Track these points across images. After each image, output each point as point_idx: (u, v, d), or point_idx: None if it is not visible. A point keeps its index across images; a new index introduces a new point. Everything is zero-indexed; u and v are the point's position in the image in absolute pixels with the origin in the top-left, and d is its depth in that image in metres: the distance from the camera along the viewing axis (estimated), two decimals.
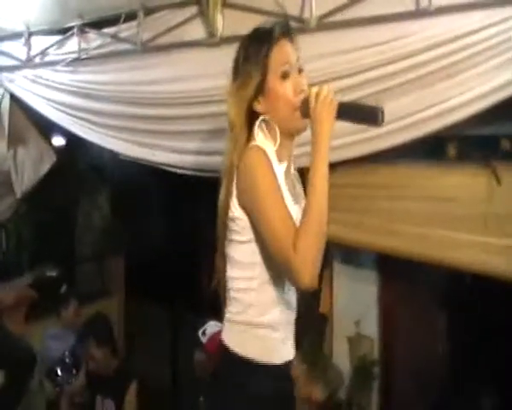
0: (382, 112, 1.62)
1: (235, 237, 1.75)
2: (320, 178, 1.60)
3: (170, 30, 3.25)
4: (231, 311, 1.80)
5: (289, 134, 1.79)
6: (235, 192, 1.71)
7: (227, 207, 1.73)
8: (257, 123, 1.75)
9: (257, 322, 1.75)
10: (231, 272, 1.79)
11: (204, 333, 3.11)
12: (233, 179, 1.71)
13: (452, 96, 2.49)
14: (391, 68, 2.61)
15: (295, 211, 1.71)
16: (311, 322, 3.42)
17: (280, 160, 1.75)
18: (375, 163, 2.80)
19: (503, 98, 2.39)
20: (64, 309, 4.29)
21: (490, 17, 2.41)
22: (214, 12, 3.04)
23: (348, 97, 2.70)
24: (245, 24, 2.87)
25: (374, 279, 3.22)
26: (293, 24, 2.76)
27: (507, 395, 2.93)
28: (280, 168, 1.74)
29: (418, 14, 2.55)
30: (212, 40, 3.08)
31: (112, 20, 3.44)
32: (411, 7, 2.56)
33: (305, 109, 1.69)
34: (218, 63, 3.01)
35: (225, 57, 2.91)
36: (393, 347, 3.27)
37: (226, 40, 3.05)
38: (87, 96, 3.68)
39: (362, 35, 2.67)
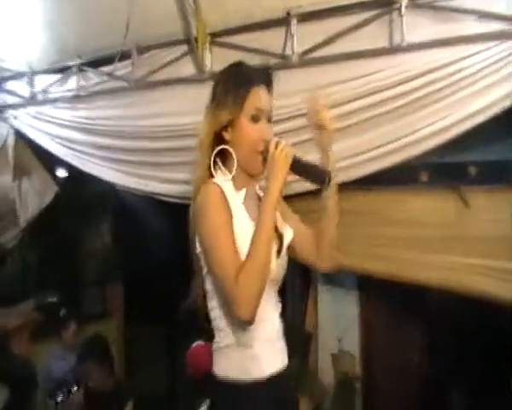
0: (329, 177, 1.65)
1: (204, 269, 1.72)
2: (267, 219, 1.60)
3: (161, 67, 3.25)
4: (216, 340, 1.75)
5: (249, 174, 1.76)
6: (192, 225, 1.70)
7: (193, 241, 1.72)
8: (215, 149, 1.73)
9: (236, 342, 1.69)
10: (208, 303, 1.75)
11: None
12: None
13: (424, 126, 2.51)
14: (368, 101, 2.62)
15: (250, 227, 1.68)
16: (297, 339, 3.39)
17: (238, 188, 1.74)
18: (351, 190, 2.76)
19: (471, 127, 2.40)
20: (64, 331, 4.25)
21: (458, 53, 2.44)
22: (203, 50, 3.04)
23: None
24: (231, 61, 2.96)
25: (355, 299, 3.19)
26: (276, 61, 2.84)
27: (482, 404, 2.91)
28: (238, 195, 1.74)
29: (392, 50, 2.58)
30: (201, 76, 3.08)
31: (108, 59, 3.43)
32: (385, 43, 2.60)
33: (265, 156, 1.69)
34: (207, 98, 3.07)
35: None
36: (373, 361, 3.24)
37: (214, 76, 2.99)
38: (86, 130, 3.66)
39: (339, 70, 2.70)
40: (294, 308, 3.99)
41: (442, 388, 3.22)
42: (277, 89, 2.72)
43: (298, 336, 3.40)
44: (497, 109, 2.39)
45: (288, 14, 2.76)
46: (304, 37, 2.76)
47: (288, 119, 2.81)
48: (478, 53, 2.40)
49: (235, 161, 1.72)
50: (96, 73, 3.56)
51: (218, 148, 1.72)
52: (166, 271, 5.09)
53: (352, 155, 2.72)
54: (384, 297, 3.11)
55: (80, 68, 3.63)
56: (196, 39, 3.03)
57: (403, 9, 2.52)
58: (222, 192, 1.66)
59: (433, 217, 2.59)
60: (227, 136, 1.72)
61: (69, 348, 4.20)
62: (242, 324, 1.60)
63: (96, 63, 3.55)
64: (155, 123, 3.29)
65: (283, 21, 2.80)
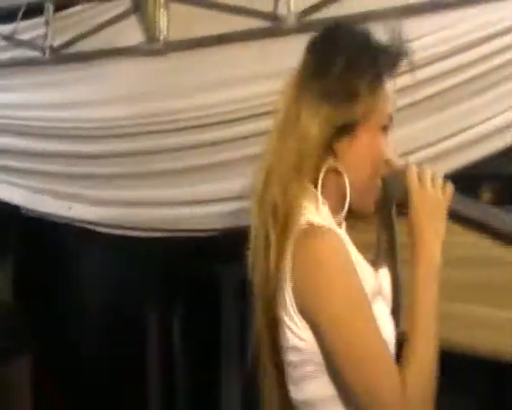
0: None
1: (299, 368, 1.62)
2: (429, 291, 1.59)
3: (92, 32, 3.39)
4: None
5: (355, 209, 1.73)
6: (290, 289, 1.57)
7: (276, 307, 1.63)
8: (324, 167, 1.67)
9: None
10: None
11: None
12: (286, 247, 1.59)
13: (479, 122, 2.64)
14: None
15: (371, 273, 1.70)
16: None
17: (339, 224, 1.71)
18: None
19: None
20: None
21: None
22: (155, 7, 3.17)
23: None
24: (199, 24, 3.15)
25: None
26: (265, 24, 3.02)
27: None
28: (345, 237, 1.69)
29: (428, 6, 2.72)
30: (154, 46, 3.22)
31: (6, 16, 3.59)
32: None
33: (395, 189, 1.72)
34: (163, 78, 3.23)
35: (173, 70, 3.21)
36: None
37: (173, 46, 3.20)
38: None
39: None
40: None
41: None
42: (266, 66, 2.97)
43: None
44: None
45: None
46: None
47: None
48: None
49: (348, 189, 1.67)
50: None
51: (325, 166, 1.65)
52: (99, 344, 5.21)
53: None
54: None
55: None
56: None
57: None
58: (343, 245, 1.59)
59: None
60: (339, 147, 1.67)
61: None
62: None
63: None
64: (82, 115, 3.40)
65: None
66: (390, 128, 1.73)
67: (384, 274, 1.81)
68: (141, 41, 3.30)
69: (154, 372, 5.42)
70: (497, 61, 2.54)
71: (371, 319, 1.52)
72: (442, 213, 1.64)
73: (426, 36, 2.64)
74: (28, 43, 3.60)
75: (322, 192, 1.66)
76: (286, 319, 1.58)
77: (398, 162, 1.72)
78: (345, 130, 1.64)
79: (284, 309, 1.58)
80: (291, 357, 1.62)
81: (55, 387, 5.28)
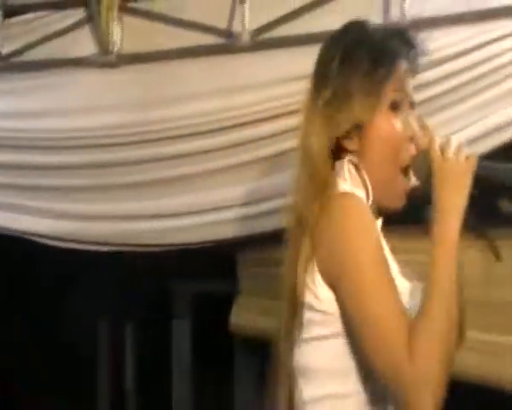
0: None
1: (314, 331, 1.62)
2: (445, 262, 1.53)
3: (43, 41, 3.34)
4: None
5: (380, 203, 1.71)
6: (315, 262, 1.58)
7: (301, 285, 1.61)
8: (345, 163, 1.67)
9: None
10: (306, 390, 1.65)
11: None
12: (312, 240, 1.59)
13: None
14: None
15: (407, 290, 1.65)
16: None
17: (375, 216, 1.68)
18: None
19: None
20: None
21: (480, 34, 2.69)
22: (108, 19, 3.17)
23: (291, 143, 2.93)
24: (154, 38, 3.15)
25: None
26: (219, 41, 3.03)
27: None
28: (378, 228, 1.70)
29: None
30: (107, 58, 3.21)
31: None
32: (378, 19, 2.78)
33: (420, 169, 1.66)
34: (116, 91, 3.21)
35: (126, 82, 3.20)
36: None
37: (126, 59, 3.19)
38: None
39: (306, 56, 2.76)
40: (246, 407, 4.26)
41: None
42: (220, 82, 2.99)
43: None
44: None
45: None
46: (258, 8, 2.93)
47: (236, 126, 2.99)
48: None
49: (367, 178, 1.66)
50: None
51: (345, 160, 1.66)
52: (57, 351, 5.19)
53: None
54: None
55: None
56: (99, 2, 3.14)
57: None
58: (369, 211, 1.60)
59: None
60: (351, 145, 1.67)
61: None
62: None
63: None
64: (34, 125, 3.37)
65: None
66: (405, 105, 1.67)
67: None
68: (94, 52, 3.28)
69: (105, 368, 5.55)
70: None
71: (391, 283, 1.52)
72: (466, 183, 1.56)
73: None
74: None
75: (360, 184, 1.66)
76: (308, 281, 1.59)
77: (423, 139, 1.65)
78: (351, 130, 1.63)
79: (309, 294, 1.59)
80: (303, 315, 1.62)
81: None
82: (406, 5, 2.77)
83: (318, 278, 1.57)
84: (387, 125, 1.65)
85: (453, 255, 1.53)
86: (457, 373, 2.22)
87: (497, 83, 2.65)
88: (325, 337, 1.60)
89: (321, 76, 1.69)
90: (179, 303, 4.80)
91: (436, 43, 2.59)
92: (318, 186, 1.61)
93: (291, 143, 2.74)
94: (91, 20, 3.26)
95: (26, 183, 3.48)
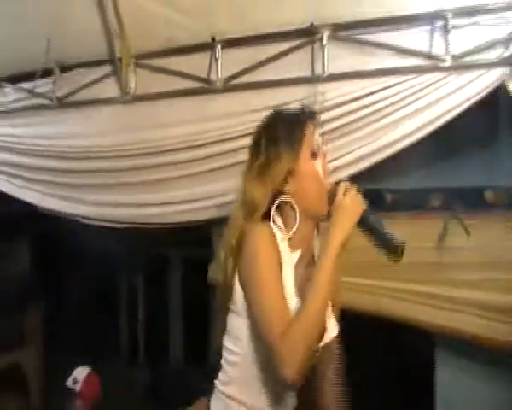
0: (403, 249, 1.50)
1: (231, 306, 1.60)
2: (323, 275, 1.45)
3: (84, 87, 3.20)
4: (219, 379, 1.67)
5: (311, 218, 1.62)
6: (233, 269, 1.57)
7: (232, 278, 1.57)
8: (275, 204, 1.60)
9: (238, 399, 1.61)
10: (224, 340, 1.65)
11: (76, 381, 2.92)
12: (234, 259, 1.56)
13: (342, 155, 2.58)
14: None
15: (294, 303, 1.54)
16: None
17: (293, 248, 1.60)
18: None
19: (386, 156, 2.49)
20: None
21: (375, 85, 2.53)
22: (127, 71, 3.02)
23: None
24: (156, 83, 3.01)
25: None
26: (200, 85, 2.88)
27: None
28: (292, 256, 1.60)
29: (313, 79, 2.65)
30: (125, 98, 3.06)
31: (29, 76, 3.32)
32: (308, 73, 2.67)
33: (330, 202, 1.56)
34: (131, 120, 3.06)
35: (138, 114, 3.05)
36: None
37: (138, 98, 3.05)
38: (5, 149, 3.52)
39: (262, 97, 2.72)
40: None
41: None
42: (202, 113, 2.84)
43: None
44: (411, 140, 2.48)
45: (213, 39, 2.78)
46: (228, 63, 2.80)
47: (212, 143, 2.84)
48: (394, 85, 2.48)
49: (297, 213, 1.58)
50: (15, 89, 3.45)
51: (276, 203, 1.59)
52: (90, 296, 4.99)
53: None
54: None
55: None
56: (120, 60, 3.01)
57: (324, 40, 2.58)
58: (276, 239, 1.54)
59: (360, 242, 2.66)
60: (287, 188, 1.59)
61: None
62: (282, 384, 1.50)
63: (15, 79, 3.44)
64: (77, 143, 3.22)
65: (208, 46, 2.82)
66: (321, 154, 1.63)
67: None
68: (117, 95, 3.13)
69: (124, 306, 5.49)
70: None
71: (279, 283, 1.49)
72: (352, 218, 1.51)
73: None
74: (42, 95, 3.35)
75: (283, 221, 1.62)
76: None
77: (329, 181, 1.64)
78: (284, 179, 1.59)
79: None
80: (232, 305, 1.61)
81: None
82: (325, 63, 2.61)
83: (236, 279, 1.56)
84: (310, 168, 1.59)
85: (331, 270, 1.46)
86: None
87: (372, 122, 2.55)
88: (234, 312, 1.61)
89: (254, 149, 1.64)
90: (173, 264, 4.88)
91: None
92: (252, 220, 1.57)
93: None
94: (115, 73, 3.11)
95: (74, 181, 3.33)
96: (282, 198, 1.59)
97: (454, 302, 2.49)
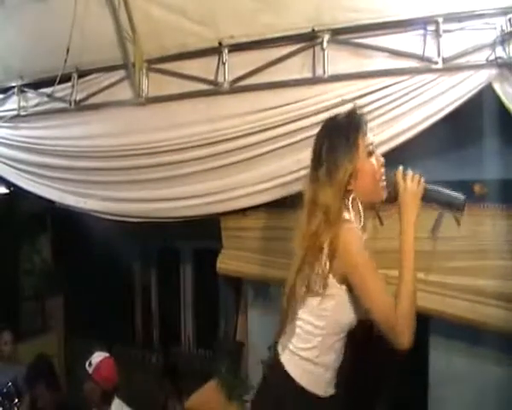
0: (466, 203, 1.69)
1: (320, 290, 1.72)
2: (408, 249, 1.64)
3: (100, 91, 3.26)
4: (296, 345, 1.81)
5: (370, 205, 1.80)
6: (328, 264, 1.68)
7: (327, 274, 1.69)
8: (349, 201, 1.73)
9: (316, 361, 1.78)
10: (304, 314, 1.79)
11: (90, 364, 2.99)
12: (321, 251, 1.68)
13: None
14: (291, 127, 2.71)
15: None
16: (228, 349, 3.44)
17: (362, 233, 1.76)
18: (281, 208, 2.85)
19: (382, 153, 2.52)
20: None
21: (371, 85, 2.56)
22: (140, 76, 3.08)
23: (256, 152, 2.82)
24: (167, 86, 3.05)
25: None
26: (208, 87, 2.92)
27: None
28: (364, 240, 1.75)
29: (314, 80, 2.69)
30: (139, 100, 3.11)
31: (49, 81, 3.39)
32: (309, 74, 2.71)
33: (391, 191, 1.73)
34: (144, 121, 3.11)
35: (150, 115, 3.10)
36: None
37: (151, 100, 3.09)
38: (26, 149, 3.59)
39: (266, 98, 2.77)
40: (227, 320, 4.12)
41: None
42: (209, 114, 2.89)
43: (230, 345, 3.47)
44: (407, 136, 2.52)
45: (220, 44, 2.83)
46: (235, 65, 2.85)
47: (219, 142, 2.88)
48: (389, 85, 2.53)
49: (362, 205, 1.74)
50: (37, 94, 3.52)
51: (349, 202, 1.72)
52: (107, 285, 5.05)
53: (272, 178, 2.84)
54: None
55: (21, 89, 3.59)
56: (134, 65, 3.06)
57: (324, 44, 2.62)
58: (360, 236, 1.69)
59: None
60: (351, 186, 1.72)
61: (7, 361, 4.06)
62: (403, 348, 1.57)
63: (37, 85, 3.52)
64: (94, 143, 3.27)
65: (216, 51, 2.87)
66: (375, 152, 1.78)
67: None
68: (131, 97, 3.18)
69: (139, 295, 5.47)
70: None
71: (378, 274, 1.63)
72: (417, 199, 1.69)
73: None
74: (61, 99, 3.42)
75: (355, 212, 1.75)
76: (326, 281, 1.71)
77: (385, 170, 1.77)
78: (348, 179, 1.71)
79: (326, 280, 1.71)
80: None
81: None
82: (326, 65, 2.66)
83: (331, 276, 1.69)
84: (368, 166, 1.74)
85: (413, 245, 1.64)
86: None
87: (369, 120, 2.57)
88: (326, 296, 1.72)
89: (316, 159, 1.77)
90: (184, 255, 4.93)
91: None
92: (334, 223, 1.67)
93: (256, 151, 2.84)
94: (129, 77, 3.15)
95: (91, 179, 3.40)
96: (352, 195, 1.73)
97: (447, 288, 2.54)
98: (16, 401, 3.75)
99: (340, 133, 1.73)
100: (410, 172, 1.70)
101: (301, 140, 2.68)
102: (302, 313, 1.79)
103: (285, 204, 2.80)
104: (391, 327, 1.56)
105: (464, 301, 2.51)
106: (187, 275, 5.07)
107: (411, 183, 1.69)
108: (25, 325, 5.14)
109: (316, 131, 2.58)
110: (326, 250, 1.67)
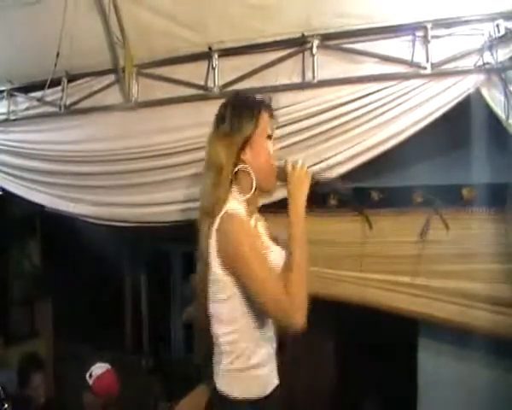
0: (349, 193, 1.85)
1: (218, 295, 1.67)
2: (299, 232, 1.67)
3: (90, 95, 3.20)
4: (223, 362, 1.70)
5: (260, 191, 1.78)
6: (215, 254, 1.64)
7: (207, 265, 1.67)
8: (238, 168, 1.73)
9: (249, 365, 1.69)
10: (217, 328, 1.70)
11: (91, 375, 2.91)
12: (212, 230, 1.65)
13: (331, 156, 2.59)
14: (279, 132, 2.66)
15: (277, 252, 1.75)
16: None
17: (249, 215, 1.76)
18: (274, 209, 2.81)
19: (373, 157, 2.51)
20: None
21: (361, 90, 2.54)
22: (130, 80, 3.03)
23: None
24: (157, 91, 3.01)
25: None
26: (198, 92, 2.88)
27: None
28: (252, 221, 1.77)
29: (303, 85, 2.67)
30: (128, 105, 3.07)
31: (39, 86, 3.32)
32: (299, 79, 2.69)
33: (281, 176, 1.78)
34: (134, 125, 3.06)
35: (140, 120, 3.04)
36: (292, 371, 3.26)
37: (141, 105, 3.05)
38: (16, 153, 3.52)
39: None
40: None
41: (353, 393, 3.31)
42: (199, 118, 2.84)
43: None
44: (396, 141, 2.49)
45: (210, 49, 2.79)
46: (224, 70, 2.81)
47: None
48: (379, 91, 2.51)
49: (254, 180, 1.73)
50: (26, 98, 3.45)
51: (238, 167, 1.73)
52: (96, 289, 4.98)
53: None
54: None
55: (11, 93, 3.52)
56: (124, 70, 3.01)
57: (314, 49, 2.61)
58: (244, 220, 1.68)
59: (342, 237, 2.68)
60: (244, 155, 1.73)
61: None
62: (294, 330, 1.58)
63: (26, 89, 3.45)
64: (84, 148, 3.21)
65: (205, 55, 2.83)
66: (273, 139, 1.82)
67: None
68: (120, 101, 3.13)
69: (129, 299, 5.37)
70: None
71: (265, 262, 1.61)
72: (306, 186, 1.74)
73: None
74: (51, 103, 3.36)
75: (239, 188, 1.74)
76: (212, 277, 1.67)
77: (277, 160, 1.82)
78: (243, 144, 1.72)
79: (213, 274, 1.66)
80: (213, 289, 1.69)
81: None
82: (315, 70, 2.64)
83: (218, 264, 1.64)
84: (264, 145, 1.77)
85: (303, 228, 1.69)
86: None
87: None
88: (224, 300, 1.67)
89: (220, 118, 1.79)
90: (174, 258, 4.92)
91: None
92: (223, 189, 1.70)
93: None
94: (119, 81, 3.11)
95: (79, 183, 3.32)
96: (242, 164, 1.73)
97: (435, 291, 2.52)
98: (6, 405, 3.67)
99: (246, 103, 1.78)
100: (299, 162, 1.77)
101: (291, 145, 2.64)
102: (216, 328, 1.72)
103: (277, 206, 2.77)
104: (279, 310, 1.58)
105: (452, 304, 2.49)
106: (177, 278, 5.02)
107: (300, 171, 1.75)
108: (13, 330, 5.05)
109: (305, 135, 2.66)
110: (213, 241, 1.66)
